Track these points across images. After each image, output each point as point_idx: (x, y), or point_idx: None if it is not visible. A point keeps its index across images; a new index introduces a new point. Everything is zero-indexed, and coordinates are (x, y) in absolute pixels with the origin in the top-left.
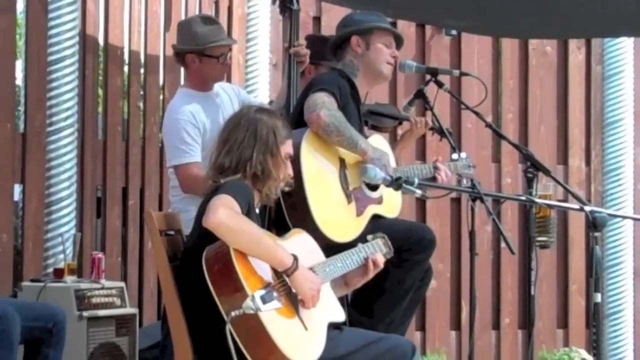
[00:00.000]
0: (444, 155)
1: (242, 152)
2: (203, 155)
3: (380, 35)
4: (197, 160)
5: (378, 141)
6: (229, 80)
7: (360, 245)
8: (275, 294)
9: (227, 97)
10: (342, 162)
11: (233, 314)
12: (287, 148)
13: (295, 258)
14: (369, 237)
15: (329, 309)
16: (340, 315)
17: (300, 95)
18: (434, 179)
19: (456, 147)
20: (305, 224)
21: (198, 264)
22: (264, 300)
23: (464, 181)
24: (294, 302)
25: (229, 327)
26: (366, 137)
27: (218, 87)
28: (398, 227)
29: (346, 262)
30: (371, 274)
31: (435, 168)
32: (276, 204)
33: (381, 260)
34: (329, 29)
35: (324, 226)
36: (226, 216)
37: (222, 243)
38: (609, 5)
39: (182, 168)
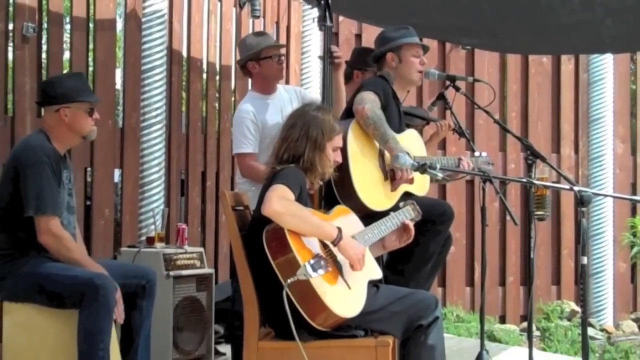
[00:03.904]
0: (459, 146)
1: (296, 149)
2: (262, 147)
3: (409, 48)
4: (254, 152)
5: (412, 134)
6: (288, 85)
7: (392, 213)
8: (322, 262)
9: (288, 97)
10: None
11: (289, 280)
12: (335, 143)
13: (340, 230)
14: (401, 204)
15: (369, 269)
16: (378, 274)
17: (353, 94)
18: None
19: (472, 142)
20: (349, 194)
21: (260, 234)
22: (314, 268)
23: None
24: (339, 268)
25: (286, 291)
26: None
27: (281, 88)
28: (424, 203)
29: (381, 228)
30: (407, 239)
31: (459, 159)
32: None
33: (412, 226)
34: (368, 42)
35: (363, 195)
36: (278, 205)
37: (277, 224)
38: (594, 29)
39: (241, 156)
